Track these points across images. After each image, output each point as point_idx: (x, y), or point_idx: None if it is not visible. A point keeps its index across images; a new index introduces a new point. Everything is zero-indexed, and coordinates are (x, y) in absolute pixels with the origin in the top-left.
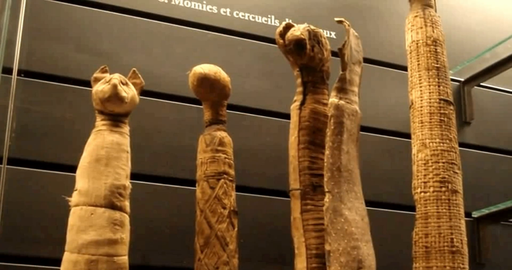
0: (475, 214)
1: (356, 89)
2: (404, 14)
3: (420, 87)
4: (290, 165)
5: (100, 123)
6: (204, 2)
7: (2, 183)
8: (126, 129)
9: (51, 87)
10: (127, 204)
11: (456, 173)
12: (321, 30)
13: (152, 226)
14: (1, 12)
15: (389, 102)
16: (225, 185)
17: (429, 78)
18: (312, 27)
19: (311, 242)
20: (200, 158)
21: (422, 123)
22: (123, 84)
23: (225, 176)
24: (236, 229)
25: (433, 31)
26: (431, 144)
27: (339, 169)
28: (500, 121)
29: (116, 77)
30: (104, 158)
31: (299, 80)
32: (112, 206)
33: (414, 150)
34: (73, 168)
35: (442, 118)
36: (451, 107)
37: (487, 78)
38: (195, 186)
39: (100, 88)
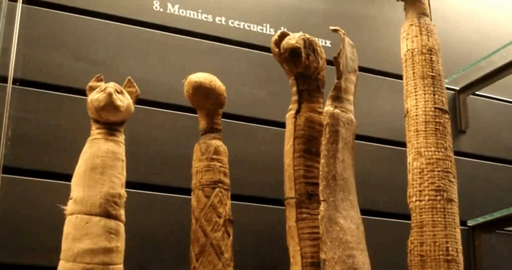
0: (470, 223)
1: (351, 97)
2: (400, 23)
3: (415, 95)
4: (285, 173)
5: (95, 131)
6: (200, 10)
7: None
8: (121, 137)
9: (46, 96)
10: (122, 212)
11: (451, 181)
12: (316, 39)
13: (148, 235)
14: None
15: (384, 110)
16: (220, 193)
17: (424, 87)
18: (307, 35)
19: (306, 250)
20: (195, 166)
21: (417, 131)
22: (118, 92)
23: (220, 184)
24: (231, 237)
25: (429, 40)
26: (426, 152)
27: (334, 177)
28: (496, 129)
29: (111, 86)
30: (99, 166)
31: (294, 89)
32: (108, 215)
33: (409, 159)
34: (68, 177)
35: (437, 127)
36: (446, 116)
37: (483, 86)
38: (190, 195)
39: (95, 97)
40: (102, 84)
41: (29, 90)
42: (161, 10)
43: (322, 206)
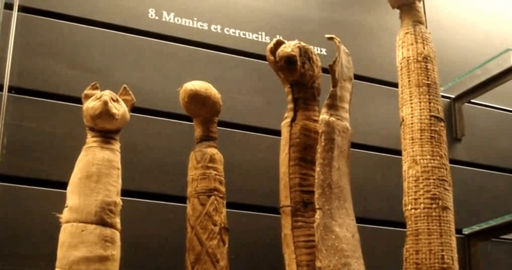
0: (466, 231)
1: (346, 105)
2: (395, 31)
3: (411, 103)
4: (281, 181)
5: (91, 139)
6: (195, 18)
7: None
8: (116, 145)
9: (42, 104)
10: (118, 220)
11: (447, 189)
12: (311, 47)
13: (143, 243)
14: None
15: (379, 118)
16: (215, 201)
17: (419, 95)
18: (302, 43)
19: (302, 258)
20: (190, 174)
21: (412, 139)
22: (113, 100)
23: (215, 192)
24: (226, 245)
25: (424, 48)
26: (421, 160)
27: (330, 185)
28: (491, 137)
29: (107, 94)
30: (95, 174)
31: (290, 97)
32: (103, 223)
33: (404, 167)
34: (64, 185)
35: (432, 135)
36: (442, 124)
37: (478, 94)
38: (185, 203)
39: (90, 105)
40: (98, 92)
41: (25, 98)
42: (157, 18)
43: (318, 214)
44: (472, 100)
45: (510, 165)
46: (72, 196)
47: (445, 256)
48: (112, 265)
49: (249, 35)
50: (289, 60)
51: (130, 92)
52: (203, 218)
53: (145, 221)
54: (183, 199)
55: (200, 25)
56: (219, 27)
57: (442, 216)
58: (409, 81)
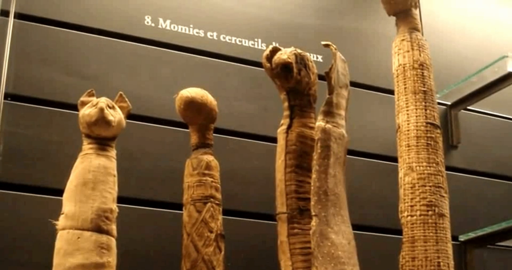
0: (462, 238)
1: (343, 112)
2: (391, 38)
3: (407, 110)
4: (277, 188)
5: (87, 146)
6: (191, 25)
7: None
8: (112, 152)
9: (38, 111)
10: (114, 227)
11: (443, 196)
12: (307, 54)
13: (139, 250)
14: None
15: (376, 125)
16: (212, 208)
17: (416, 102)
18: (299, 50)
19: (298, 265)
20: (187, 181)
21: (409, 146)
22: (110, 107)
23: (211, 199)
24: (222, 252)
25: (420, 55)
26: (418, 167)
27: (326, 192)
28: (487, 144)
29: (103, 101)
30: (91, 181)
31: (286, 104)
32: (99, 230)
33: (401, 174)
34: (60, 192)
35: (429, 142)
36: (438, 131)
37: (474, 101)
38: (182, 210)
39: (87, 112)
40: (94, 99)
41: (21, 105)
42: (153, 25)
43: (314, 221)
44: (468, 107)
45: (506, 172)
46: (68, 203)
47: (441, 263)
48: None
49: (245, 42)
50: (285, 67)
51: (126, 99)
52: (199, 225)
53: (141, 228)
54: (179, 206)
55: (196, 32)
56: (215, 34)
57: (438, 223)
58: (405, 88)
